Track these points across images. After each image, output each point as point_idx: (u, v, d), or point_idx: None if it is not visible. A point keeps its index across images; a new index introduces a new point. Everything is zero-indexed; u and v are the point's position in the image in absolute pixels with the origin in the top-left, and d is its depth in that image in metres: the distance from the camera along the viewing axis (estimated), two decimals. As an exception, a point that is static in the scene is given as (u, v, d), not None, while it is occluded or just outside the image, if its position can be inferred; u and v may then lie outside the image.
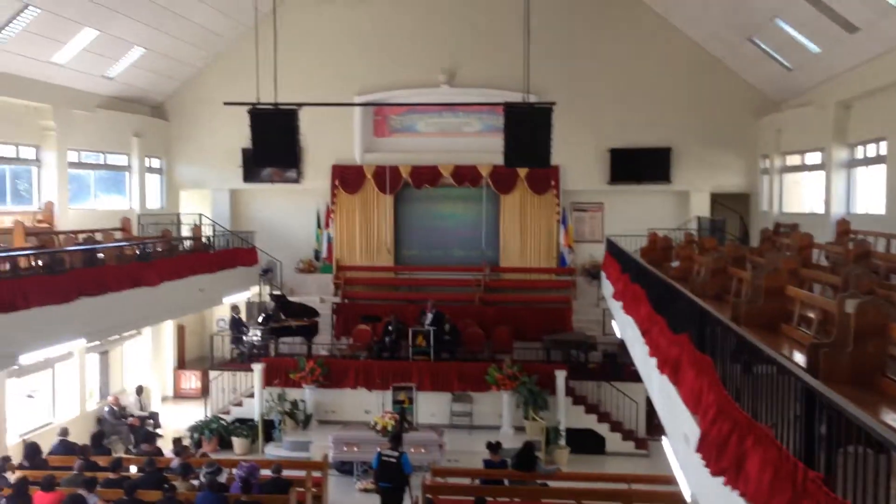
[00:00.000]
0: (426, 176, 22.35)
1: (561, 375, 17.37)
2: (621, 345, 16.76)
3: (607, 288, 17.29)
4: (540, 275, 22.21)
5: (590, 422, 17.73)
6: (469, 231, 22.73)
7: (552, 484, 13.76)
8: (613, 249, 16.93)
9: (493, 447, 14.12)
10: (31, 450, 14.15)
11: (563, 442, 17.00)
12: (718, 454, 5.48)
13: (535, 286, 22.13)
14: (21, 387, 16.50)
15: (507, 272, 22.33)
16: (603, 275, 19.14)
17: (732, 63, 20.65)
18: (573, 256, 22.15)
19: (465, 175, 22.19)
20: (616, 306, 14.63)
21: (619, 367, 18.39)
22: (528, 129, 13.26)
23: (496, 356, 18.78)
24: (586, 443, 17.42)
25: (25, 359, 12.34)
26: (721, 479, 5.31)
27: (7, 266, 12.36)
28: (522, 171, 21.80)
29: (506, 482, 13.71)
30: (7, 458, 13.51)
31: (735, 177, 21.52)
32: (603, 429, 17.70)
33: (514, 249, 22.33)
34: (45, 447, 14.66)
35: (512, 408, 17.56)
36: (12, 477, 12.86)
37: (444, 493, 13.18)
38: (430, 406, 17.73)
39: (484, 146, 21.71)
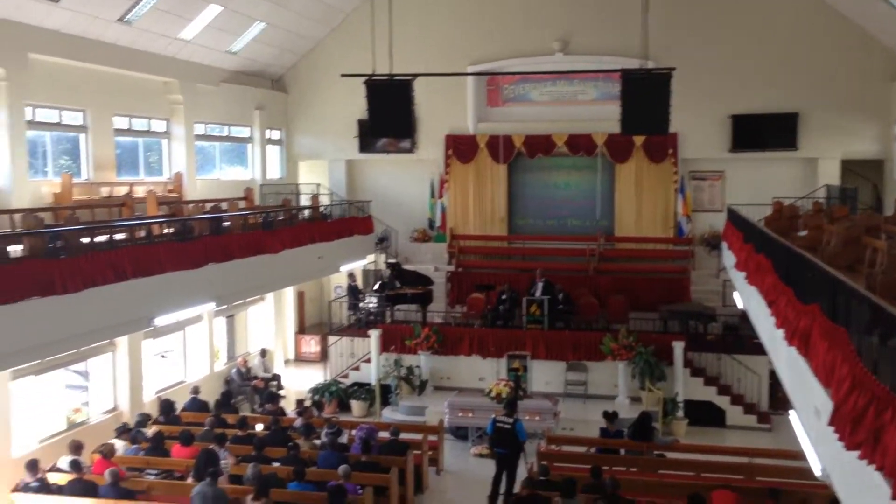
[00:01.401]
0: (540, 145, 22.19)
1: (679, 346, 17.05)
2: (743, 316, 16.32)
3: (728, 258, 16.81)
4: (656, 245, 21.80)
5: (709, 394, 17.35)
6: (583, 200, 22.48)
7: (669, 455, 13.61)
8: (735, 218, 16.41)
9: (609, 416, 14.04)
10: (166, 406, 15.01)
11: (680, 414, 16.72)
12: (854, 428, 5.29)
13: (652, 256, 21.73)
14: (156, 348, 17.47)
15: (623, 242, 22.00)
16: (724, 245, 18.61)
17: (864, 23, 19.52)
18: (691, 226, 21.60)
19: (580, 144, 21.91)
20: (738, 277, 14.22)
21: (740, 339, 17.91)
22: (645, 96, 12.97)
23: (611, 326, 18.58)
24: (705, 415, 17.07)
25: (160, 321, 13.01)
26: (856, 454, 5.13)
27: (143, 233, 13.03)
28: (639, 140, 21.38)
29: (622, 452, 13.63)
30: (147, 416, 14.36)
31: (867, 143, 20.41)
32: (723, 401, 17.30)
33: (629, 219, 21.96)
34: (178, 404, 15.51)
35: (628, 378, 17.38)
36: (149, 431, 13.67)
37: (559, 460, 13.22)
38: (545, 374, 17.75)
39: (599, 114, 21.37)
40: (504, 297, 18.88)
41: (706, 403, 17.27)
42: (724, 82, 20.74)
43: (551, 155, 22.27)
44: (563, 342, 17.93)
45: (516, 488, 12.55)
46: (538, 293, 18.54)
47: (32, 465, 11.59)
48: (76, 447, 12.31)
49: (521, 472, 12.94)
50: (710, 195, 22.10)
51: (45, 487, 11.56)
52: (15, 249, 10.20)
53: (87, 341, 12.88)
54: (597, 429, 14.41)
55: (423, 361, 18.41)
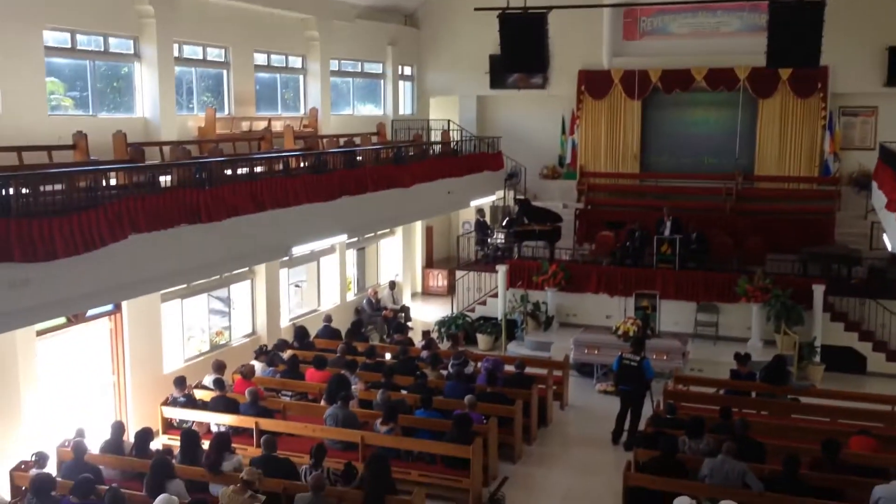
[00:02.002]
0: (677, 80, 21.36)
1: (819, 290, 16.32)
2: (892, 260, 15.44)
3: (879, 198, 15.83)
4: (799, 184, 20.75)
5: (849, 340, 16.60)
6: (722, 137, 21.56)
7: (804, 400, 13.16)
8: (888, 157, 15.40)
9: (742, 358, 13.68)
10: (301, 333, 15.69)
11: (817, 358, 16.09)
12: None
13: (793, 196, 20.72)
14: (291, 277, 18.21)
15: (763, 181, 21.05)
16: (874, 184, 17.53)
17: None
18: (838, 165, 20.42)
19: (720, 78, 20.94)
20: (889, 218, 13.40)
21: (888, 283, 16.96)
22: (794, 27, 12.20)
23: (746, 267, 17.95)
24: (844, 361, 16.36)
25: (296, 250, 13.51)
26: None
27: (280, 166, 13.48)
28: (784, 73, 20.25)
29: (753, 395, 13.29)
30: (284, 341, 15.06)
31: None
32: (865, 348, 16.52)
33: (770, 157, 20.96)
34: (312, 331, 16.17)
35: (762, 321, 16.81)
36: (285, 355, 14.34)
37: (687, 400, 13.03)
38: (674, 314, 17.40)
39: (742, 47, 20.32)
40: (635, 234, 18.53)
41: (846, 349, 16.53)
42: (880, 11, 19.27)
43: (689, 90, 21.42)
44: (695, 282, 17.49)
45: (641, 426, 12.49)
46: (667, 232, 18.10)
47: (180, 382, 12.40)
48: (219, 367, 13.07)
49: (647, 411, 12.85)
50: (860, 132, 20.79)
51: (191, 402, 12.37)
52: (164, 180, 10.76)
53: (229, 268, 13.58)
54: (727, 370, 14.08)
55: (549, 298, 18.40)
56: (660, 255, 17.82)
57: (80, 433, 10.51)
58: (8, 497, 9.91)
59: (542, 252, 19.85)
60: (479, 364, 14.33)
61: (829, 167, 20.38)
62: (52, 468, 10.05)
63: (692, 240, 18.05)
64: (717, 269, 18.01)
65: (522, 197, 21.32)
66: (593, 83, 22.15)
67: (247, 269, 15.79)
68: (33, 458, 10.00)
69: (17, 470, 10.16)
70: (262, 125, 16.70)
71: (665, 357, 15.21)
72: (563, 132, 22.90)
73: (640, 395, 13.04)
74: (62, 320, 11.80)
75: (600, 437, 13.37)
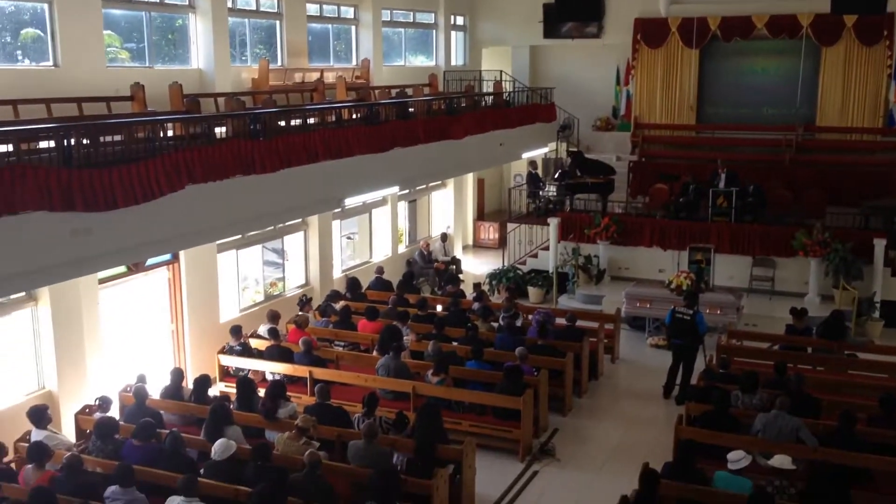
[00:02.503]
0: (737, 27, 20.76)
1: (880, 244, 15.89)
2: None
3: (945, 150, 15.31)
4: (863, 135, 20.14)
5: (910, 295, 16.23)
6: (782, 87, 20.96)
7: (862, 356, 12.93)
8: (957, 106, 14.83)
9: (798, 313, 13.44)
10: (353, 284, 15.84)
11: (876, 314, 15.75)
12: None
13: (856, 147, 20.12)
14: (344, 229, 18.35)
15: (824, 132, 20.47)
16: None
17: None
18: (905, 115, 19.75)
19: (782, 25, 20.29)
20: (955, 170, 12.95)
21: (953, 237, 16.47)
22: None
23: (805, 221, 17.54)
24: (905, 318, 16.02)
25: (349, 202, 13.58)
26: None
27: (333, 117, 13.50)
28: (849, 20, 19.54)
29: (809, 350, 13.09)
30: (337, 292, 15.23)
31: None
32: (926, 304, 16.14)
33: (833, 107, 20.33)
34: (364, 283, 16.32)
35: (819, 275, 16.46)
36: (337, 306, 14.51)
37: (741, 355, 12.88)
38: (728, 268, 17.12)
39: (806, -8, 19.65)
40: (690, 187, 18.22)
41: (906, 305, 16.17)
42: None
43: (749, 38, 20.82)
44: (751, 236, 17.16)
45: (693, 380, 12.41)
46: (721, 184, 17.75)
47: (236, 331, 12.65)
48: (273, 316, 13.29)
49: (699, 365, 12.76)
50: (928, 81, 20.04)
51: (247, 351, 12.62)
52: (220, 131, 10.86)
53: (283, 219, 13.74)
54: (782, 326, 13.85)
55: (601, 251, 18.26)
56: (715, 209, 17.50)
57: (142, 379, 10.83)
58: (73, 439, 10.29)
59: (594, 205, 19.65)
60: (530, 317, 14.33)
61: (894, 118, 19.70)
62: (114, 412, 10.39)
63: (749, 192, 17.68)
64: (775, 222, 17.64)
65: (575, 149, 21.07)
66: (649, 32, 21.64)
67: (300, 220, 15.94)
68: (97, 403, 10.35)
69: (82, 413, 10.53)
70: (314, 76, 16.69)
71: (718, 311, 15.03)
72: (618, 83, 22.51)
73: (693, 350, 12.93)
74: (123, 269, 12.10)
75: (651, 391, 13.33)
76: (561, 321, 14.00)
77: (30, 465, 8.67)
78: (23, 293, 10.65)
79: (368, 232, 19.04)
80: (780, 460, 8.52)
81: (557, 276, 17.96)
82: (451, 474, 9.32)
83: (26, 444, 9.17)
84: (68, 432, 10.55)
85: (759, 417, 9.66)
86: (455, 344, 12.91)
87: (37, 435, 9.36)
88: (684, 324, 12.80)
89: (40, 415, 9.51)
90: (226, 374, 12.66)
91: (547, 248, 18.81)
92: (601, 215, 18.49)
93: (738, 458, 8.43)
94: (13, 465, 9.03)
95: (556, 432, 11.89)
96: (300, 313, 13.89)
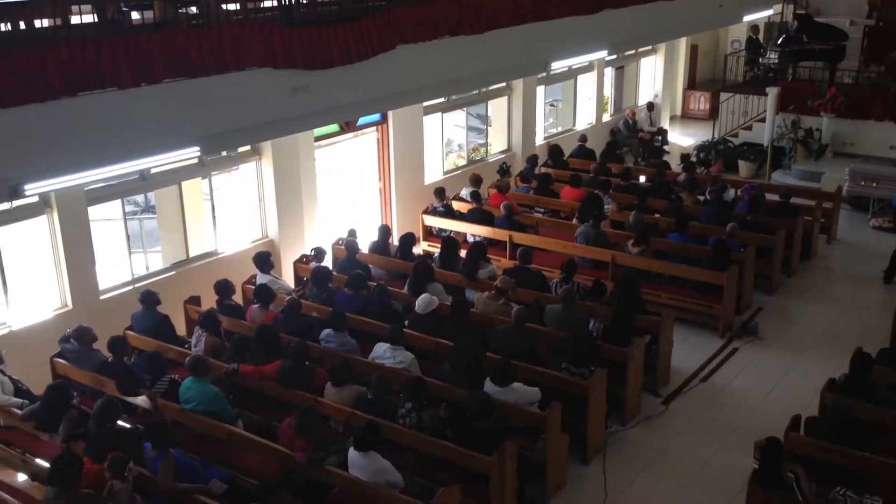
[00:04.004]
0: None
1: None
2: None
3: None
4: None
5: None
6: None
7: None
8: None
9: None
10: (555, 151, 15.68)
11: None
12: None
13: None
14: (547, 95, 18.05)
15: None
16: None
17: None
18: None
19: None
20: None
21: None
22: None
23: None
24: None
25: (555, 66, 13.26)
26: None
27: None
28: None
29: None
30: (535, 157, 15.17)
31: None
32: None
33: None
34: (566, 151, 16.10)
35: None
36: (537, 170, 14.48)
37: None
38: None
39: None
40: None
41: None
42: None
43: None
44: None
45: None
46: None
47: (440, 192, 12.98)
48: (476, 180, 13.49)
49: (929, 251, 11.78)
50: None
51: (449, 212, 12.96)
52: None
53: (488, 82, 13.69)
54: None
55: (824, 124, 16.88)
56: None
57: (352, 234, 11.46)
58: (292, 285, 11.15)
59: (820, 74, 18.08)
60: (739, 191, 13.67)
61: None
62: (328, 263, 11.11)
63: None
64: None
65: (803, 11, 19.28)
66: None
67: (504, 85, 15.82)
68: (312, 253, 11.09)
69: (299, 262, 11.36)
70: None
71: (957, 195, 13.66)
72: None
73: (922, 234, 11.91)
74: (336, 128, 12.63)
75: (870, 274, 12.49)
76: (773, 197, 13.26)
77: (256, 305, 9.53)
78: (248, 147, 11.42)
79: (573, 99, 18.61)
80: None
81: (773, 150, 16.85)
82: (647, 344, 9.30)
83: (252, 287, 10.05)
84: (287, 278, 11.43)
85: None
86: (657, 216, 12.61)
87: (261, 279, 10.22)
88: (915, 205, 11.75)
89: (264, 261, 10.35)
90: (429, 233, 13.10)
91: (763, 120, 17.63)
92: (827, 85, 17.02)
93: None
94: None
95: (759, 311, 11.48)
96: (502, 178, 13.99)
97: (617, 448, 8.56)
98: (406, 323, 9.29)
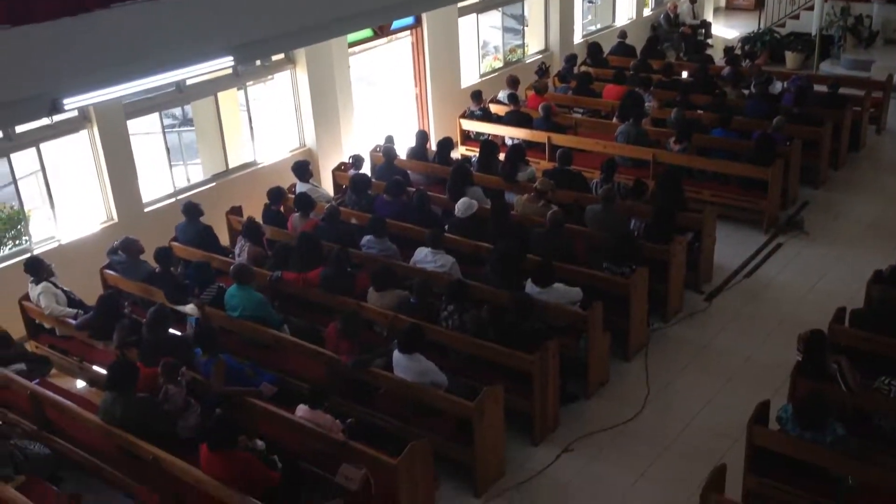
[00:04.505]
0: None
1: None
2: None
3: None
4: None
5: None
6: None
7: None
8: None
9: None
10: (594, 49, 15.29)
11: None
12: None
13: None
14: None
15: None
16: None
17: None
18: None
19: None
20: None
21: None
22: None
23: None
24: None
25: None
26: None
27: None
28: None
29: None
30: (574, 56, 14.80)
31: None
32: None
33: None
34: (605, 48, 15.68)
35: None
36: (576, 69, 14.18)
37: None
38: None
39: None
40: None
41: None
42: None
43: None
44: None
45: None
46: None
47: (477, 96, 12.78)
48: (513, 82, 13.24)
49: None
50: None
51: (487, 116, 12.80)
52: None
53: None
54: None
55: (875, 10, 16.19)
56: None
57: (390, 140, 11.41)
58: (332, 193, 11.20)
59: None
60: (786, 84, 13.25)
61: None
62: (366, 170, 11.10)
63: None
64: None
65: None
66: None
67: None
68: (350, 160, 11.09)
69: (338, 170, 11.37)
70: None
71: None
72: None
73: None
74: (369, 33, 12.41)
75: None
76: (821, 89, 12.84)
77: (297, 213, 9.61)
78: (281, 55, 11.31)
79: (613, -8, 18.00)
80: None
81: (821, 40, 16.24)
82: (689, 242, 9.22)
83: (292, 196, 10.12)
84: (327, 186, 11.48)
85: None
86: (700, 112, 12.32)
87: (301, 187, 10.28)
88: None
89: (303, 169, 10.38)
90: (467, 137, 12.99)
91: (811, 9, 16.97)
92: (879, -32, 16.25)
93: None
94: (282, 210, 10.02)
95: (805, 205, 11.28)
96: (539, 79, 13.73)
97: (659, 345, 8.61)
98: (446, 227, 9.31)
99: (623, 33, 16.15)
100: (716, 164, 10.92)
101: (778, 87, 13.29)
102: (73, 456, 6.88)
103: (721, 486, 5.54)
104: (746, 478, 6.09)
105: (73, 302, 8.32)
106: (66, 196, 10.30)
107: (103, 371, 7.17)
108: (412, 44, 13.45)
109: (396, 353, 6.93)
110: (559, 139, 11.89)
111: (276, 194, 9.87)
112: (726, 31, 19.51)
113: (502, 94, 13.27)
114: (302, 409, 6.46)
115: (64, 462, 6.95)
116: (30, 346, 8.45)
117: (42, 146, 9.27)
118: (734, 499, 5.58)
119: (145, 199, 10.20)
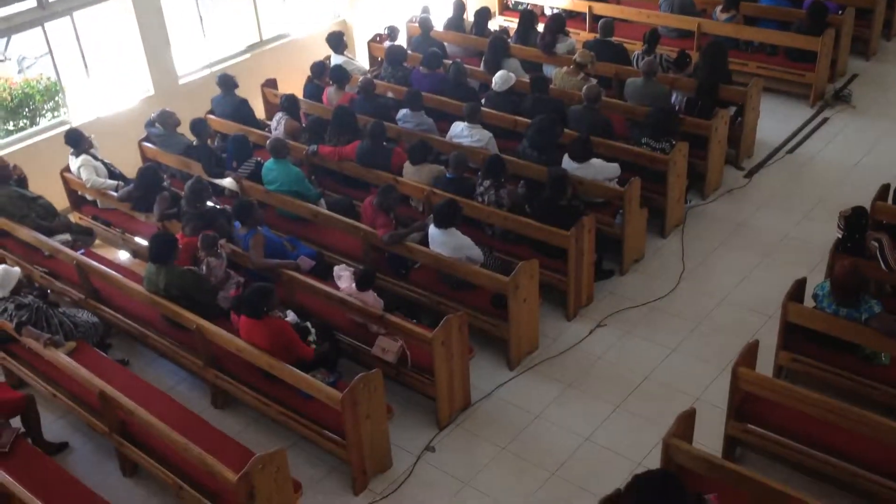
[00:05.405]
0: None
1: None
2: None
3: None
4: None
5: None
6: None
7: None
8: None
9: None
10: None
11: None
12: None
13: None
14: None
15: None
16: None
17: None
18: None
19: None
20: None
21: None
22: None
23: None
24: None
25: None
26: None
27: None
28: None
29: None
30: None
31: None
32: None
33: None
34: None
35: None
36: None
37: None
38: None
39: None
40: None
41: None
42: None
43: None
44: None
45: None
46: None
47: None
48: None
49: None
50: None
51: None
52: None
53: None
54: None
55: None
56: None
57: (426, 10, 11.10)
58: (367, 66, 11.01)
59: None
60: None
61: None
62: (402, 41, 10.85)
63: None
64: None
65: None
66: None
67: None
68: (386, 32, 10.83)
69: (373, 42, 11.13)
70: None
71: None
72: None
73: None
74: None
75: None
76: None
77: (332, 87, 9.49)
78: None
79: None
80: None
81: None
82: (732, 116, 8.99)
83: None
84: (362, 59, 11.27)
85: None
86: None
87: (336, 59, 10.12)
88: None
89: (338, 41, 10.19)
90: (505, 7, 12.59)
91: None
92: None
93: None
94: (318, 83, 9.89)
95: (854, 77, 10.87)
96: None
97: (696, 222, 8.54)
98: (483, 101, 9.16)
99: None
100: (764, 33, 10.52)
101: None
102: (119, 324, 7.14)
103: (753, 361, 5.60)
104: (779, 354, 6.13)
105: (113, 174, 8.41)
106: (105, 69, 10.21)
107: (145, 242, 7.32)
108: None
109: (432, 228, 6.96)
110: (601, 8, 11.49)
111: (318, 68, 9.74)
112: None
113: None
114: (342, 277, 6.57)
115: (111, 330, 7.22)
116: (74, 218, 8.63)
117: (75, 14, 9.13)
118: (766, 374, 5.65)
119: (180, 71, 10.11)
